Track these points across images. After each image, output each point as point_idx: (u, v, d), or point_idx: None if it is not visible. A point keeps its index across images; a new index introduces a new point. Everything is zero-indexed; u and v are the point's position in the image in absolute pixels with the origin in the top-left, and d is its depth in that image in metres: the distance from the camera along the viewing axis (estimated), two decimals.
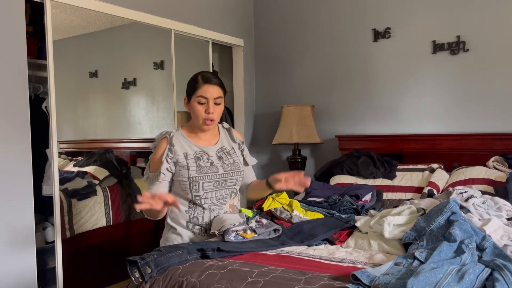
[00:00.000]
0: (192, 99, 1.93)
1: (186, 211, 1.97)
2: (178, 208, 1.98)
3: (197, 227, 1.96)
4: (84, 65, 3.25)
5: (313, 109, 3.76)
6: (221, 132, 2.11)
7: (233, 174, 2.00)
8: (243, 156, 2.12)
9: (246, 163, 2.14)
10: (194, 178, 1.91)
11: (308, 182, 1.83)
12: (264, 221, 1.96)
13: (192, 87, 1.94)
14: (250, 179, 2.19)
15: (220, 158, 2.01)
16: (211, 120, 1.93)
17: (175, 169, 1.93)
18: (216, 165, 1.97)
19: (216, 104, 1.93)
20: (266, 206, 2.24)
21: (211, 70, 3.76)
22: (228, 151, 2.06)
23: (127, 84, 3.41)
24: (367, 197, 2.68)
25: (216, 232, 1.87)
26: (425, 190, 2.71)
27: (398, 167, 3.14)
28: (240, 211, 2.06)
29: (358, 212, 2.36)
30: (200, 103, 1.92)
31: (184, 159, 1.92)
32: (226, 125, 2.16)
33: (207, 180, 1.93)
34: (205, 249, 1.66)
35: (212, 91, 1.91)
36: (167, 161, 1.92)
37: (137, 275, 1.54)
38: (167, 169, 1.92)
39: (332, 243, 1.86)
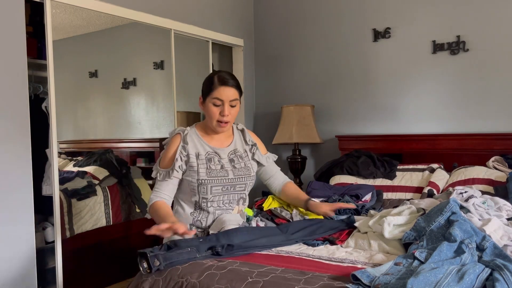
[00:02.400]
0: (207, 100, 1.89)
1: (191, 213, 1.95)
2: (183, 209, 1.97)
3: (199, 229, 1.96)
4: (84, 65, 3.25)
5: (313, 109, 3.76)
6: (235, 133, 2.07)
7: (243, 179, 1.96)
8: (255, 159, 2.07)
9: (262, 164, 2.10)
10: (203, 181, 1.87)
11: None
12: (262, 225, 1.97)
13: (208, 88, 1.89)
14: (280, 177, 2.16)
15: (231, 161, 1.97)
16: (226, 122, 1.90)
17: (186, 167, 1.91)
18: (226, 168, 1.93)
19: (231, 106, 1.90)
20: (266, 206, 2.24)
21: (211, 70, 3.76)
22: (240, 154, 2.01)
23: (127, 84, 3.41)
24: (367, 197, 2.68)
25: (216, 233, 1.87)
26: (425, 190, 2.71)
27: (398, 167, 3.14)
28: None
29: (358, 212, 2.36)
30: (215, 105, 1.88)
31: (195, 160, 1.89)
32: (240, 126, 2.11)
33: (216, 184, 1.89)
34: (215, 246, 1.66)
35: (228, 93, 1.87)
36: (180, 158, 1.89)
37: (145, 265, 1.57)
38: (179, 167, 1.89)
39: (332, 243, 1.86)
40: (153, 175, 1.94)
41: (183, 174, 1.93)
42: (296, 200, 2.12)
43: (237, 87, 1.92)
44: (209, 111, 1.90)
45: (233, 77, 1.93)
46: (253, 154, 2.07)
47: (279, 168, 2.21)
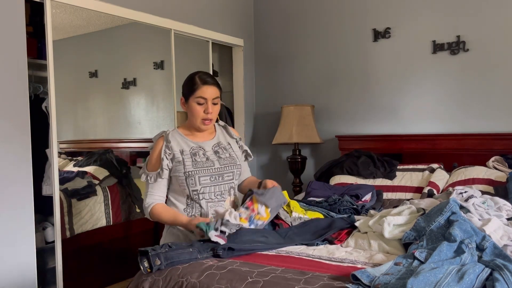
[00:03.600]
0: (191, 100, 1.97)
1: (184, 209, 1.99)
2: (176, 207, 1.99)
3: None
4: (84, 65, 3.25)
5: (313, 109, 3.76)
6: (217, 129, 2.15)
7: (230, 168, 2.02)
8: (243, 150, 2.15)
9: (246, 158, 2.17)
10: (190, 173, 1.93)
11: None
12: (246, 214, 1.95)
13: (190, 88, 1.97)
14: (246, 174, 2.22)
15: (216, 152, 2.03)
16: (210, 120, 1.99)
17: (172, 165, 1.97)
18: (211, 159, 1.99)
19: (214, 104, 1.99)
20: None
21: (211, 70, 3.76)
22: (224, 146, 2.08)
23: (127, 84, 3.41)
24: (367, 197, 2.68)
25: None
26: (425, 190, 2.71)
27: (398, 167, 3.14)
28: None
29: (358, 212, 2.36)
30: (199, 104, 1.96)
31: (180, 155, 1.96)
32: (221, 123, 2.20)
33: (203, 174, 1.95)
34: (216, 248, 1.67)
35: (210, 92, 1.96)
36: (166, 157, 1.95)
37: (146, 264, 1.58)
38: (167, 165, 1.96)
39: (331, 242, 1.86)
40: (142, 179, 2.00)
41: (170, 171, 1.99)
42: (250, 185, 2.14)
43: (218, 85, 2.02)
44: (194, 110, 1.98)
45: (212, 76, 2.04)
46: (241, 146, 2.16)
47: (249, 169, 2.27)
